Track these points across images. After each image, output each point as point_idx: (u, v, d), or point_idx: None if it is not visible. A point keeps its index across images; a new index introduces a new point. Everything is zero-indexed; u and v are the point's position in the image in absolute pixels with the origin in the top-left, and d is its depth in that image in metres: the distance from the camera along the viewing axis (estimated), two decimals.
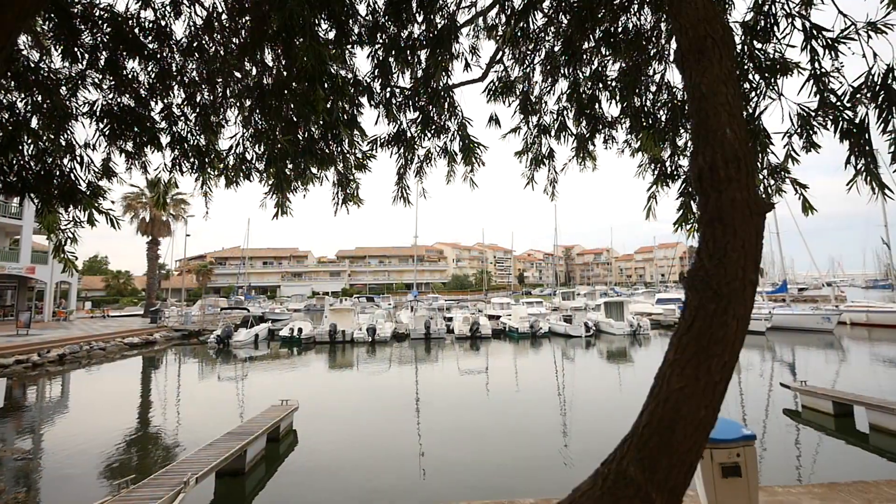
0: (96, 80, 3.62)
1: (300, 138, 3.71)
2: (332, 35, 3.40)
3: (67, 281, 35.99)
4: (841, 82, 2.78)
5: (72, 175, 3.44)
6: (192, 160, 4.00)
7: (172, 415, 13.40)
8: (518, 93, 4.45)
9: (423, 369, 20.00)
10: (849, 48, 2.76)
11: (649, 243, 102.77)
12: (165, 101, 3.85)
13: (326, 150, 3.91)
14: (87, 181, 3.54)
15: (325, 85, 3.16)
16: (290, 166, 3.90)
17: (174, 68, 3.75)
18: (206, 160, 4.01)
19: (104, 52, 3.55)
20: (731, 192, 1.60)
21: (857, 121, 2.59)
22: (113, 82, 3.63)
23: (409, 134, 4.28)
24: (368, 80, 3.91)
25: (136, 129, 3.72)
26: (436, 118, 4.22)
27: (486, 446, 9.81)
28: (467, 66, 4.19)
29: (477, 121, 4.58)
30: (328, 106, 3.34)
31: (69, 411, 13.95)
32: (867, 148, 2.51)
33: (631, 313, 30.19)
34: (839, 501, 5.42)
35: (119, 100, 3.73)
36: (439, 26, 3.83)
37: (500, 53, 4.17)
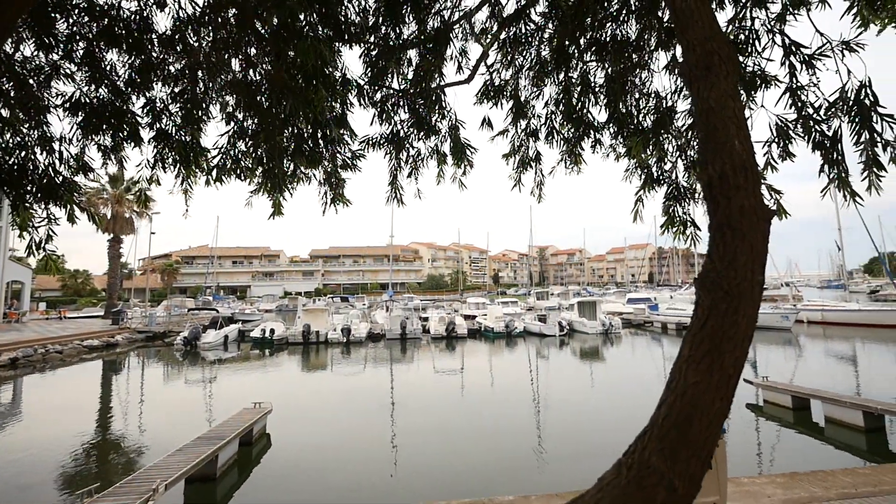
0: (68, 70, 3.43)
1: (288, 137, 3.63)
2: (320, 34, 3.35)
3: (20, 280, 33.99)
4: (817, 96, 2.99)
5: (50, 170, 3.24)
6: (175, 156, 3.84)
7: (137, 420, 12.85)
8: (505, 96, 4.50)
9: (399, 370, 19.90)
10: (824, 65, 2.96)
11: (620, 244, 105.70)
12: (147, 95, 3.70)
13: (316, 149, 3.85)
14: (62, 176, 3.34)
15: (320, 84, 3.12)
16: (282, 165, 3.82)
17: (156, 61, 3.59)
18: (192, 157, 3.86)
19: (81, 43, 3.37)
20: (739, 200, 1.73)
21: (829, 133, 2.78)
22: (88, 74, 3.45)
23: (401, 134, 4.26)
24: (361, 81, 3.86)
25: (114, 124, 3.55)
26: (428, 119, 4.21)
27: (463, 446, 9.85)
28: (460, 68, 4.21)
29: (465, 123, 4.60)
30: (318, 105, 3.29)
31: (23, 418, 13.17)
32: (839, 158, 2.69)
33: (603, 313, 30.93)
34: (800, 490, 5.69)
35: (97, 92, 3.55)
36: (430, 28, 3.83)
37: (486, 57, 4.20)
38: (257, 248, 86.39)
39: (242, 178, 4.01)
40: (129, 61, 3.54)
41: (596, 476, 6.88)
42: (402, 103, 4.11)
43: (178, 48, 3.53)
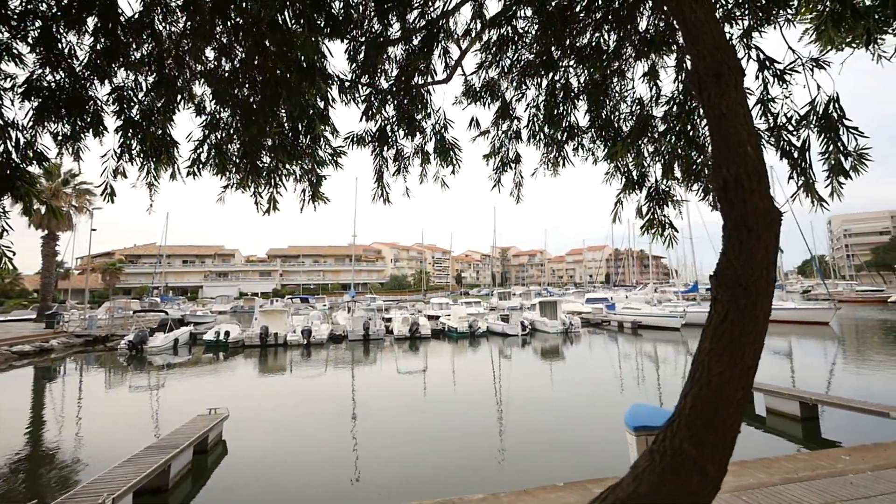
0: (17, 50, 3.09)
1: (269, 131, 3.47)
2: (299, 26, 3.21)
3: None
4: (789, 107, 3.21)
5: (4, 158, 2.90)
6: (144, 148, 3.55)
7: (77, 431, 11.89)
8: (489, 96, 4.52)
9: (362, 371, 19.59)
10: (794, 80, 3.19)
11: (579, 246, 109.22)
12: (113, 82, 3.40)
13: (297, 144, 3.71)
14: (14, 164, 3.00)
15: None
16: (266, 160, 3.66)
17: (121, 46, 3.30)
18: (162, 149, 3.58)
19: (37, 21, 3.05)
20: (753, 202, 1.85)
21: (798, 143, 3.01)
22: (42, 56, 3.12)
23: (388, 132, 4.20)
24: (344, 77, 3.76)
25: (74, 110, 3.23)
26: (413, 117, 4.16)
27: (428, 447, 9.80)
28: (447, 66, 4.18)
29: (453, 122, 4.59)
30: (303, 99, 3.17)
31: None
32: (807, 166, 2.90)
33: (563, 312, 31.78)
34: (748, 476, 6.04)
35: (53, 76, 3.23)
36: (415, 26, 3.79)
37: (463, 57, 4.22)
38: (210, 247, 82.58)
39: (222, 173, 3.78)
40: (92, 45, 3.24)
41: (563, 471, 6.99)
42: (388, 100, 4.06)
43: (145, 34, 3.26)
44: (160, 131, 3.60)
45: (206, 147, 3.75)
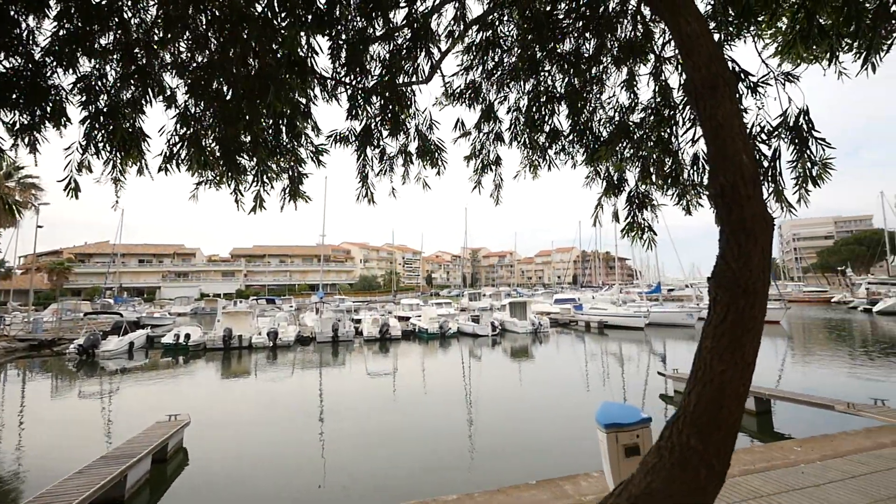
0: None
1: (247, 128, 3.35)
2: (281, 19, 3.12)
3: None
4: (762, 118, 3.38)
5: None
6: (115, 141, 3.33)
7: (18, 443, 11.03)
8: (468, 97, 4.54)
9: (330, 374, 19.23)
10: (766, 93, 3.38)
11: (548, 247, 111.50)
12: (78, 71, 3.17)
13: (279, 142, 3.61)
14: None
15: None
16: (245, 157, 3.53)
17: (86, 33, 3.07)
18: (132, 143, 3.36)
19: None
20: (750, 208, 1.93)
21: (768, 153, 3.18)
22: None
23: (372, 128, 4.14)
24: (333, 75, 3.68)
25: (32, 99, 2.99)
26: (398, 116, 4.13)
27: (399, 449, 9.71)
28: (431, 67, 4.15)
29: (439, 123, 4.60)
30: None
31: None
32: (777, 174, 3.08)
33: (533, 312, 32.29)
34: None
35: (11, 62, 2.98)
36: (401, 24, 3.76)
37: (443, 58, 4.22)
38: (169, 246, 79.01)
39: (197, 170, 3.61)
40: (54, 30, 3.02)
41: (535, 469, 7.07)
42: (372, 100, 4.02)
43: (112, 21, 3.06)
44: (128, 124, 3.40)
45: (181, 142, 3.57)
